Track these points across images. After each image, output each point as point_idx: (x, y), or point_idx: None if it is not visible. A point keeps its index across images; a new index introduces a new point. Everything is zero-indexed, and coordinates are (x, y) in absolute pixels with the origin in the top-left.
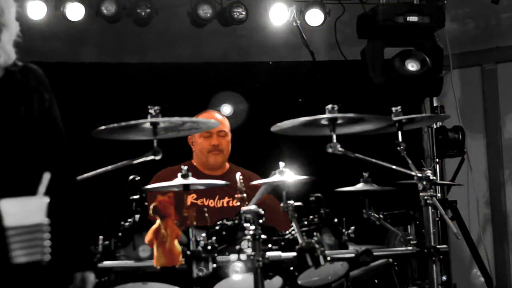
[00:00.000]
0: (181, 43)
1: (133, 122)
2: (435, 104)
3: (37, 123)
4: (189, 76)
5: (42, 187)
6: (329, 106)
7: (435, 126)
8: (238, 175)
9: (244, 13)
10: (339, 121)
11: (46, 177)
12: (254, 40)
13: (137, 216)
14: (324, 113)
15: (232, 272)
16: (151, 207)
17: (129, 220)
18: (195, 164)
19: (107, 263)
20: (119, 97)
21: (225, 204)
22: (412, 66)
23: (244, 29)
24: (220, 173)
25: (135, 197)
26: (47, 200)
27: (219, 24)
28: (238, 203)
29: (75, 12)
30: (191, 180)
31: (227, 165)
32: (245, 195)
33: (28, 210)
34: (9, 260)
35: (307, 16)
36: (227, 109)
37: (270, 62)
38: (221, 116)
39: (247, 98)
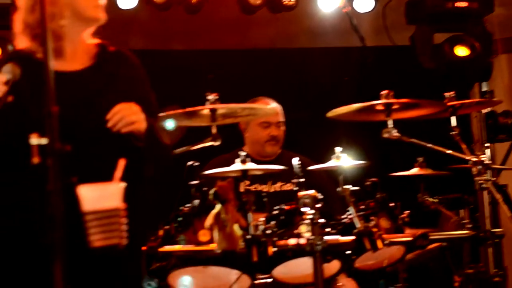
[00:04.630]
0: (229, 29)
1: (195, 108)
2: (484, 89)
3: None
4: (236, 63)
5: (118, 173)
6: (384, 92)
7: (484, 111)
8: (296, 160)
9: None
10: (395, 107)
11: (122, 163)
12: (303, 26)
13: (196, 201)
14: (378, 99)
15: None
16: (212, 192)
17: (188, 205)
18: (246, 151)
19: (167, 247)
20: (168, 84)
21: (278, 189)
22: (461, 51)
23: (293, 16)
24: (271, 157)
25: (194, 182)
26: (123, 185)
27: (268, 10)
28: (292, 187)
29: (127, 0)
30: (250, 165)
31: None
32: (302, 179)
33: (105, 196)
34: (87, 244)
35: (356, 2)
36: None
37: (319, 48)
38: (276, 104)
39: (299, 85)
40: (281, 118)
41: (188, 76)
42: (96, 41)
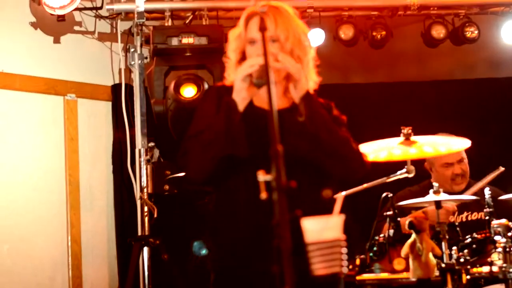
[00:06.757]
0: (409, 62)
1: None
2: None
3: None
4: (416, 95)
5: (338, 206)
6: None
7: None
8: (487, 191)
9: (476, 32)
10: None
11: (340, 197)
12: (483, 57)
13: (391, 231)
14: None
15: None
16: (407, 222)
17: (383, 235)
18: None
19: (364, 276)
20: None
21: (464, 219)
22: None
23: (473, 47)
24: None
25: (388, 213)
26: (343, 218)
27: (450, 43)
28: (478, 217)
29: (315, 37)
30: (443, 196)
31: None
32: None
33: (327, 228)
34: (310, 272)
35: None
36: None
37: (500, 78)
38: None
39: (482, 115)
40: (462, 154)
41: (368, 109)
42: None
